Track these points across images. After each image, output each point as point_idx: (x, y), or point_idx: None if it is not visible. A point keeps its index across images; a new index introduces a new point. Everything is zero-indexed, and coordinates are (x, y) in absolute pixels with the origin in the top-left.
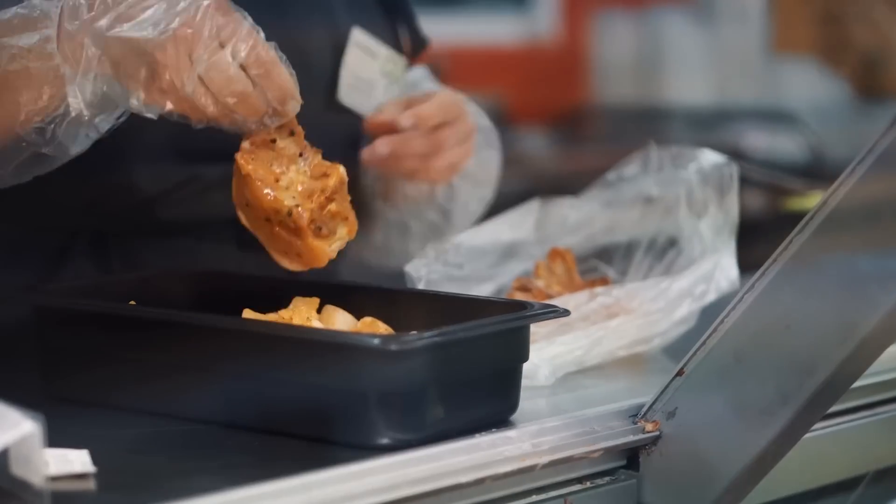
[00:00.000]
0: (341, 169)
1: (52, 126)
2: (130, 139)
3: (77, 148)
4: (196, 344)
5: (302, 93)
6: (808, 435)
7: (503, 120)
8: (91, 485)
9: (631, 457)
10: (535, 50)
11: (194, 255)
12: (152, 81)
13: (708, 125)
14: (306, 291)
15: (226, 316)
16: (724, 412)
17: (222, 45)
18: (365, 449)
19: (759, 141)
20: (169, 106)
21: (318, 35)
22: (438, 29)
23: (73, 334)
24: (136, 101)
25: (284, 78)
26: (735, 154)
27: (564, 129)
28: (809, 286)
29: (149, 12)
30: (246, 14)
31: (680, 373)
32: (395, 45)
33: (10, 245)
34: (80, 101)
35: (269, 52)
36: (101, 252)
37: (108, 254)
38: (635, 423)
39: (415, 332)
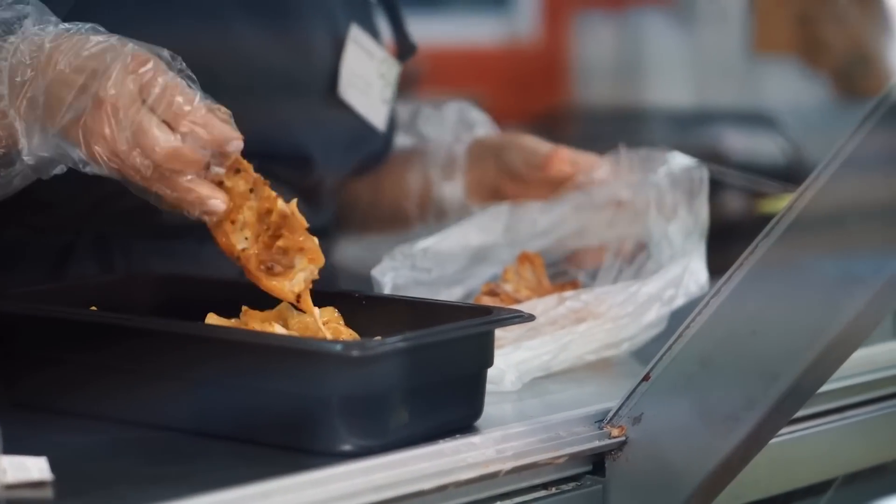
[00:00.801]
0: (279, 203)
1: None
2: None
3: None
4: (156, 349)
5: (304, 88)
6: (777, 439)
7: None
8: (48, 493)
9: (597, 462)
10: (515, 51)
11: (197, 257)
12: (88, 143)
13: (687, 127)
14: (270, 296)
15: (186, 321)
16: (690, 417)
17: (144, 102)
18: (327, 455)
19: (739, 143)
20: (105, 170)
21: (319, 30)
22: (418, 30)
23: (32, 340)
24: (78, 159)
25: (215, 125)
26: (714, 156)
27: (544, 131)
28: (775, 291)
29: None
30: (167, 55)
31: (646, 378)
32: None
33: (12, 246)
34: (31, 158)
35: (194, 101)
36: (103, 254)
37: (111, 256)
38: (601, 429)
39: (378, 337)
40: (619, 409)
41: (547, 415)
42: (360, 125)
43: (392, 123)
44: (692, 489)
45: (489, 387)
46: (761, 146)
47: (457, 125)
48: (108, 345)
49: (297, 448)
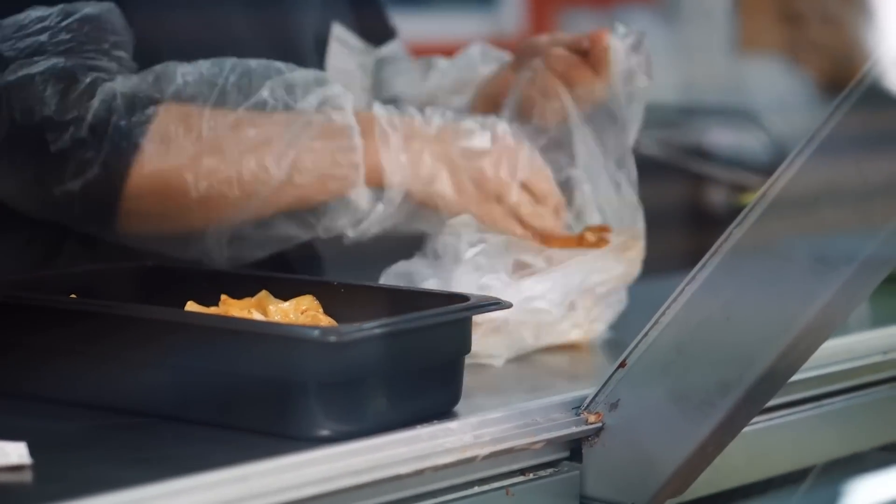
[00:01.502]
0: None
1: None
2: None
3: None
4: (135, 336)
5: None
6: (755, 427)
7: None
8: (28, 477)
9: (574, 448)
10: (501, 48)
11: (189, 246)
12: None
13: (673, 123)
14: (250, 284)
15: (164, 307)
16: (666, 403)
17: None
18: (305, 440)
19: (723, 139)
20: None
21: (305, 31)
22: (404, 27)
23: (10, 327)
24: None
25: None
26: (698, 151)
27: (530, 127)
28: (749, 278)
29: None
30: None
31: (622, 365)
32: (365, 33)
33: (4, 233)
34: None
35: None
36: (94, 243)
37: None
38: (578, 415)
39: (355, 323)
40: (596, 395)
41: (524, 400)
42: None
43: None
44: (668, 475)
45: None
46: (746, 142)
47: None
48: (87, 332)
49: (275, 433)
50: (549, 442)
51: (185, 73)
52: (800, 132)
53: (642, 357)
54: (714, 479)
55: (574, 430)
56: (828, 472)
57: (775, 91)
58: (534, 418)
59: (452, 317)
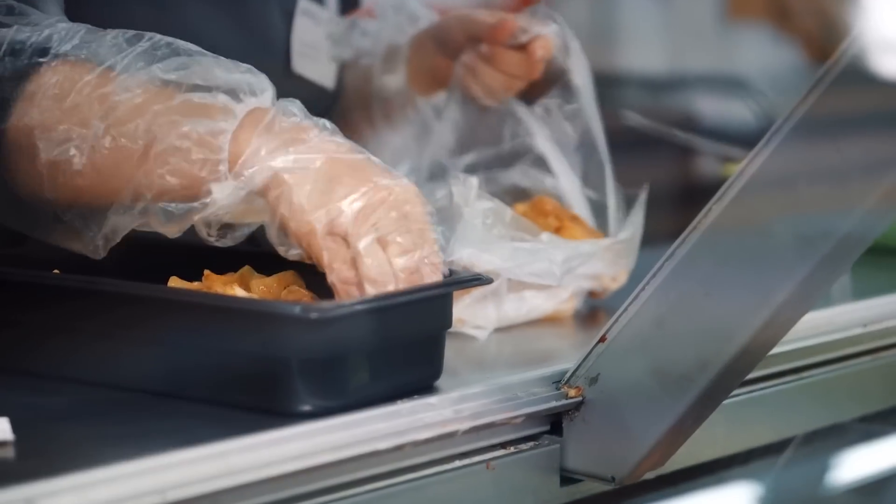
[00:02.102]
0: None
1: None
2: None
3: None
4: (119, 312)
5: (263, 69)
6: (735, 399)
7: None
8: (10, 453)
9: (554, 422)
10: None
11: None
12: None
13: (661, 91)
14: (232, 260)
15: (148, 284)
16: (645, 378)
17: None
18: (288, 416)
19: (711, 107)
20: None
21: (271, 8)
22: None
23: None
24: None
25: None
26: (686, 120)
27: (520, 96)
28: (728, 253)
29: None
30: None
31: (602, 339)
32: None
33: None
34: (227, 203)
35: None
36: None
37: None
38: (558, 389)
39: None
40: (576, 369)
41: (505, 373)
42: (315, 91)
43: (339, 76)
44: (648, 448)
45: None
46: (734, 110)
47: (397, 20)
48: (70, 307)
49: (259, 409)
50: (530, 416)
51: (90, 38)
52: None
53: (622, 332)
54: (694, 450)
55: (554, 404)
56: (808, 443)
57: (763, 59)
58: (514, 393)
59: (434, 292)
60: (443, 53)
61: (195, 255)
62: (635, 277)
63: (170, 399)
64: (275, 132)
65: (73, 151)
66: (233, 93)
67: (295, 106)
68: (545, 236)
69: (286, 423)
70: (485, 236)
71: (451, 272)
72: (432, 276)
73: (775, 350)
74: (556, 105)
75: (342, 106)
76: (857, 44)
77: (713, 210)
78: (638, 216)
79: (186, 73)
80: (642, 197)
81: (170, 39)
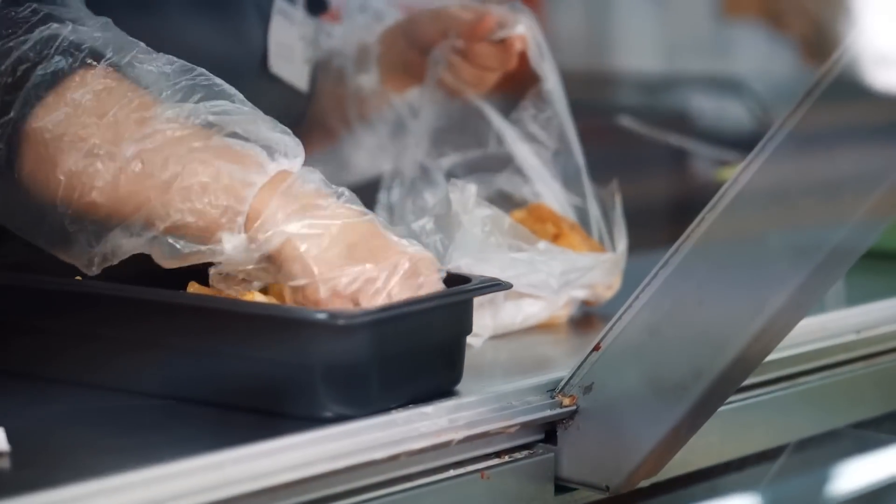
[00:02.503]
0: None
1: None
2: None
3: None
4: (141, 318)
5: (241, 70)
6: (729, 406)
7: None
8: (5, 464)
9: (549, 431)
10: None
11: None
12: None
13: (656, 91)
14: None
15: (169, 290)
16: (640, 387)
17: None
18: (311, 421)
19: (707, 107)
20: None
21: (249, 9)
22: None
23: (5, 308)
24: None
25: None
26: (682, 121)
27: (514, 96)
28: (721, 262)
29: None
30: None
31: (596, 348)
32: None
33: None
34: (237, 256)
35: None
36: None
37: None
38: (553, 398)
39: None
40: (571, 378)
41: (500, 382)
42: (290, 93)
43: (313, 78)
44: (642, 457)
45: None
46: (729, 111)
47: (364, 20)
48: (94, 313)
49: (282, 414)
50: (524, 425)
51: (143, 58)
52: (783, 100)
53: (616, 340)
54: (689, 458)
55: (549, 413)
56: (802, 450)
57: (759, 59)
58: (509, 401)
59: (455, 298)
60: (415, 49)
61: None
62: (628, 284)
63: (173, 405)
64: (293, 195)
65: (99, 166)
66: (269, 149)
67: (315, 175)
68: (542, 245)
69: (279, 433)
70: (483, 245)
71: (471, 278)
72: None
73: (769, 357)
74: (530, 116)
75: (316, 109)
76: (849, 54)
77: (706, 218)
78: (621, 223)
79: (230, 119)
80: (618, 203)
81: (218, 81)
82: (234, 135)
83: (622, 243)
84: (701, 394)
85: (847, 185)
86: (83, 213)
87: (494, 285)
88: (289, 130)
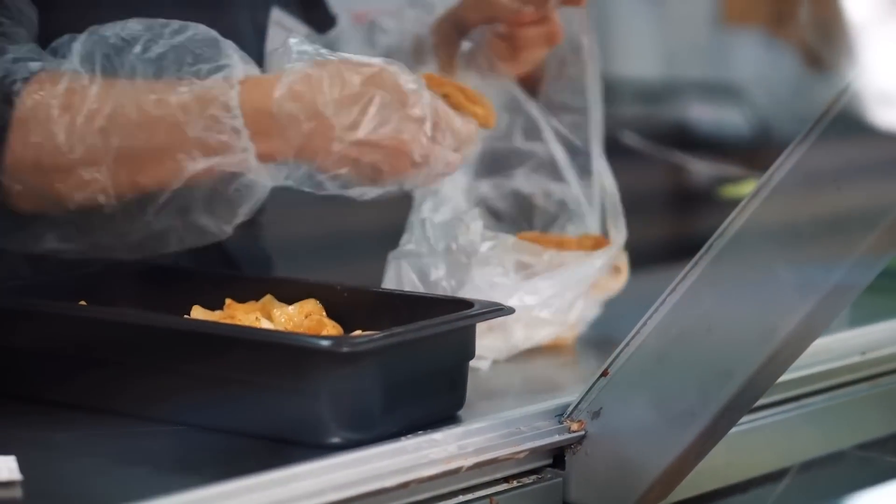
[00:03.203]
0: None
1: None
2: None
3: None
4: (147, 343)
5: None
6: (734, 429)
7: None
8: (17, 493)
9: (557, 456)
10: None
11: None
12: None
13: (655, 98)
14: (253, 287)
15: (173, 316)
16: (648, 413)
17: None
18: (316, 448)
19: (706, 114)
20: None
21: (243, 20)
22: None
23: (10, 332)
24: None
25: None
26: (680, 128)
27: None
28: (729, 290)
29: None
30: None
31: (604, 373)
32: (307, 21)
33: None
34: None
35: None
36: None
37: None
38: (561, 423)
39: (362, 332)
40: (579, 403)
41: (509, 407)
42: None
43: None
44: (650, 482)
45: None
46: (728, 118)
47: (415, 13)
48: (98, 338)
49: (287, 441)
50: (533, 451)
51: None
52: (783, 108)
53: (624, 366)
54: (695, 481)
55: (557, 438)
56: (806, 471)
57: (759, 66)
58: (517, 427)
59: (459, 324)
60: (462, 37)
61: (217, 283)
62: (635, 309)
63: (183, 431)
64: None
65: (101, 199)
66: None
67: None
68: (547, 256)
69: (290, 462)
70: (495, 282)
71: (473, 303)
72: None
73: None
74: (559, 104)
75: None
76: (852, 90)
77: (714, 246)
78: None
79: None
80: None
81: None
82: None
83: (620, 235)
84: (709, 420)
85: (855, 216)
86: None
87: (496, 310)
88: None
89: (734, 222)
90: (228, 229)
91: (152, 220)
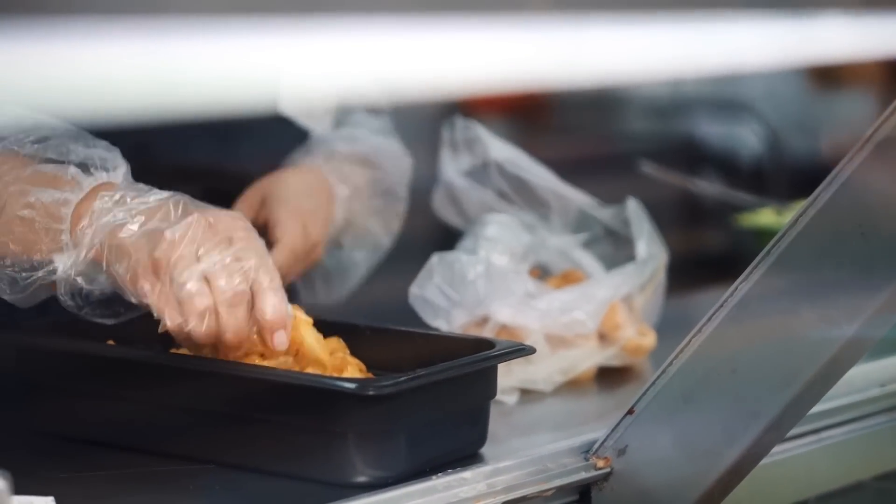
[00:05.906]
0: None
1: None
2: None
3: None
4: (176, 383)
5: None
6: None
7: (462, 112)
8: None
9: (583, 492)
10: None
11: None
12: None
13: (664, 114)
14: None
15: (204, 358)
16: (673, 451)
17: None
18: (343, 487)
19: (715, 131)
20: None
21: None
22: None
23: (46, 371)
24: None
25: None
26: (689, 144)
27: (521, 119)
28: (754, 332)
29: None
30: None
31: (630, 412)
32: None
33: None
34: (71, 270)
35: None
36: None
37: None
38: (587, 460)
39: (387, 374)
40: (605, 440)
41: (536, 444)
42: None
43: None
44: None
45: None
46: (738, 135)
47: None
48: (128, 378)
49: (317, 480)
50: (560, 488)
51: None
52: (792, 124)
53: (650, 405)
54: None
55: (584, 475)
56: (825, 502)
57: (768, 82)
58: (545, 464)
59: (481, 365)
60: None
61: None
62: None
63: (213, 470)
64: (117, 202)
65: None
66: (84, 166)
67: (149, 188)
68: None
69: (323, 501)
70: (517, 298)
71: (495, 343)
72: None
73: None
74: None
75: None
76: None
77: (740, 289)
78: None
79: (42, 146)
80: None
81: (38, 118)
82: (48, 161)
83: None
84: (734, 460)
85: (879, 256)
86: None
87: (517, 350)
88: (108, 144)
89: (759, 266)
90: None
91: None
